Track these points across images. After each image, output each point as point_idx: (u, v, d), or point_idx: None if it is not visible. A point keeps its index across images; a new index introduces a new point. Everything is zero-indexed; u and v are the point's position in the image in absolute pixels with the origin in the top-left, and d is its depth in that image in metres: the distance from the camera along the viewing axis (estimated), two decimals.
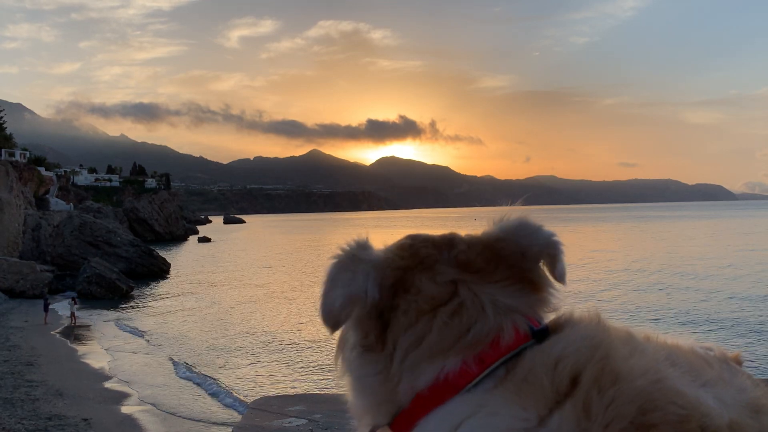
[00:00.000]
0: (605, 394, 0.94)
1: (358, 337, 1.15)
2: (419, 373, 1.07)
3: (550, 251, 1.18)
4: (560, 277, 1.17)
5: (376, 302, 1.14)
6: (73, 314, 27.71)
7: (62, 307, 30.67)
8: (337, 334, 1.19)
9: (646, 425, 0.91)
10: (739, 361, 1.23)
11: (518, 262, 1.16)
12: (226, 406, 15.89)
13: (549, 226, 1.19)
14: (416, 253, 1.18)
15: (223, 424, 14.42)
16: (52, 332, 25.23)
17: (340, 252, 1.20)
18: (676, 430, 0.91)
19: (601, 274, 40.96)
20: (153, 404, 15.85)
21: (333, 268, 1.18)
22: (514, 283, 1.16)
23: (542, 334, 1.08)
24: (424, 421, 1.05)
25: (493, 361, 1.04)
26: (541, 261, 1.18)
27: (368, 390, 1.14)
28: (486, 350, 1.05)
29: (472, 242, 1.20)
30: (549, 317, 1.14)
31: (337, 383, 1.22)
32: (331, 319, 1.15)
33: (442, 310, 1.09)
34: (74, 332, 25.79)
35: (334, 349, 1.22)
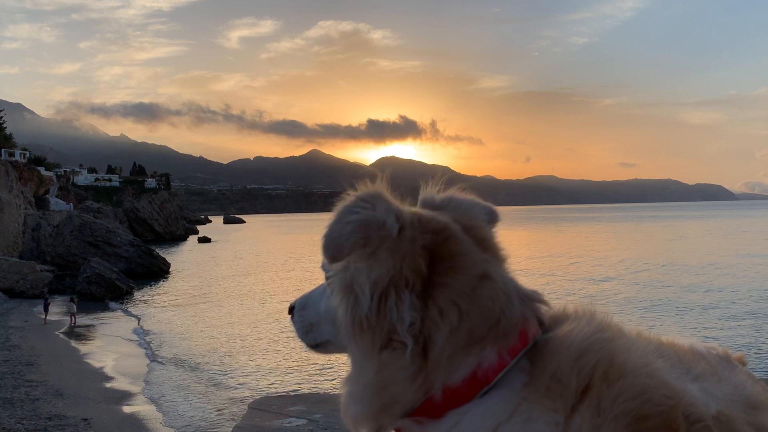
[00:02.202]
0: (612, 389, 0.97)
1: (397, 327, 1.03)
2: (455, 367, 1.02)
3: (493, 220, 1.24)
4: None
5: (396, 239, 1.03)
6: (73, 314, 27.68)
7: (62, 307, 30.62)
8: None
9: (642, 417, 0.94)
10: (743, 362, 1.24)
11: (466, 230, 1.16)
12: (226, 405, 15.88)
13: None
14: (437, 218, 1.12)
15: (223, 424, 14.41)
16: (52, 332, 25.21)
17: (356, 192, 1.12)
18: (664, 419, 0.94)
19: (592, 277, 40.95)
20: (153, 404, 15.84)
21: (347, 201, 1.10)
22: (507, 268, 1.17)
23: (552, 323, 1.10)
24: (454, 416, 1.02)
25: (518, 351, 1.04)
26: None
27: (385, 392, 1.04)
28: (516, 343, 1.04)
29: (432, 207, 1.18)
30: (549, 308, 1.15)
31: (338, 383, 1.17)
32: (336, 247, 1.03)
33: (480, 294, 1.04)
34: (74, 332, 25.77)
35: (356, 343, 1.07)
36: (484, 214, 1.22)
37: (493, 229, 1.22)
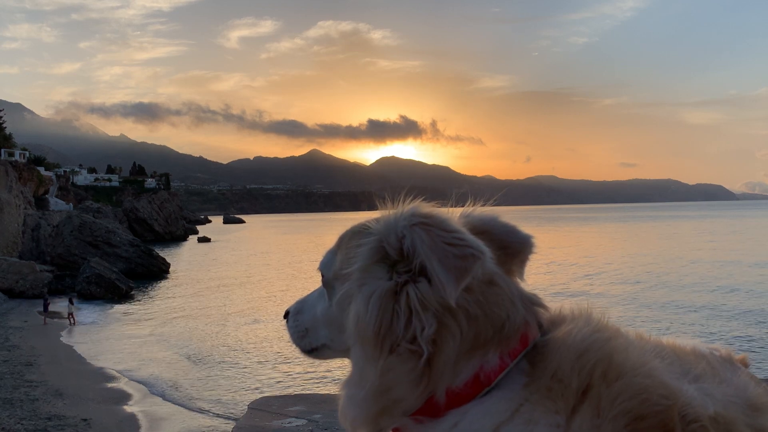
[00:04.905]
0: (612, 389, 0.98)
1: (417, 334, 1.02)
2: (459, 370, 1.03)
3: (528, 250, 1.22)
4: (523, 275, 1.21)
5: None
6: (71, 314, 27.67)
7: (61, 308, 30.61)
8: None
9: (640, 416, 0.95)
10: (745, 363, 1.24)
11: (502, 255, 1.16)
12: (226, 406, 15.88)
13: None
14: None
15: (223, 423, 14.41)
16: (51, 332, 25.20)
17: (428, 212, 1.09)
18: (660, 419, 0.95)
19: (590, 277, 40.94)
20: (152, 404, 15.83)
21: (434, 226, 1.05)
22: (512, 274, 1.18)
23: (549, 325, 1.11)
24: (455, 416, 1.03)
25: (518, 354, 1.05)
26: (518, 257, 1.21)
27: (387, 395, 1.05)
28: (517, 345, 1.05)
29: (472, 228, 1.17)
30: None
31: (337, 384, 1.16)
32: (464, 281, 0.99)
33: (487, 300, 1.06)
34: (74, 332, 25.77)
35: (369, 349, 1.05)
36: (516, 239, 1.22)
37: (527, 258, 1.22)
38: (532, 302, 1.12)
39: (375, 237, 1.10)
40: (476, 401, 1.02)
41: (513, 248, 1.20)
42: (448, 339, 1.02)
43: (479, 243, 1.04)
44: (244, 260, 61.00)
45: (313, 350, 1.34)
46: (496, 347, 1.03)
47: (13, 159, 79.76)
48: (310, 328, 1.33)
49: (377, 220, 1.15)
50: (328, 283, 1.26)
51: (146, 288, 40.14)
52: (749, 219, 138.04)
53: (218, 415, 15.16)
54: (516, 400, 1.00)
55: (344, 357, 1.24)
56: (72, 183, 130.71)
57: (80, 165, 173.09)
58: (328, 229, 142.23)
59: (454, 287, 0.99)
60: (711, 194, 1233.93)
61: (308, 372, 18.55)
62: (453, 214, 1.22)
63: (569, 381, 0.99)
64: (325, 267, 1.27)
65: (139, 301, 35.28)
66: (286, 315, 1.41)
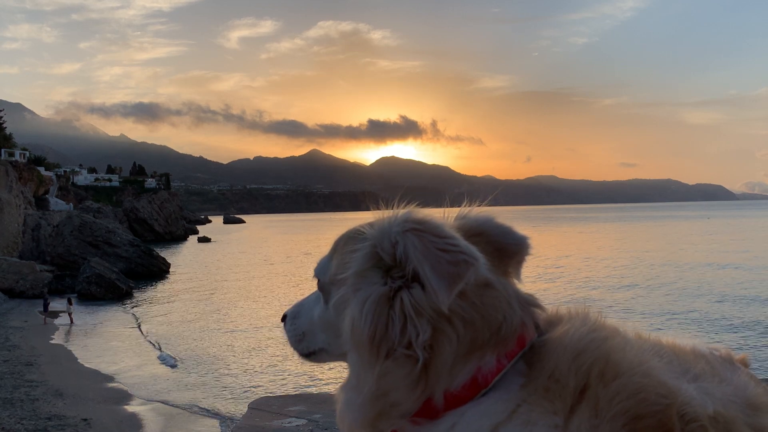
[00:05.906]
0: (609, 389, 0.97)
1: (412, 339, 1.01)
2: (457, 373, 1.02)
3: (524, 251, 1.22)
4: (519, 276, 1.21)
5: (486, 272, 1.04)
6: (70, 314, 27.67)
7: (61, 308, 30.63)
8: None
9: (638, 416, 0.95)
10: (745, 363, 1.23)
11: (498, 256, 1.17)
12: (226, 406, 15.88)
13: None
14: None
15: (223, 423, 14.41)
16: (51, 332, 25.21)
17: (420, 218, 1.07)
18: (659, 419, 0.94)
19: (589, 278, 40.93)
20: (153, 404, 15.84)
21: (429, 230, 1.04)
22: (508, 275, 1.18)
23: (546, 326, 1.11)
24: (452, 417, 1.02)
25: (515, 355, 1.05)
26: (514, 258, 1.21)
27: (384, 399, 1.05)
28: (514, 347, 1.05)
29: (467, 231, 1.17)
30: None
31: (338, 383, 1.14)
32: (456, 287, 0.99)
33: (484, 302, 1.05)
34: (74, 332, 25.77)
35: (364, 353, 1.05)
36: (512, 240, 1.22)
37: (523, 260, 1.22)
38: (528, 303, 1.12)
39: (369, 242, 1.09)
40: (473, 403, 1.02)
41: (509, 249, 1.19)
42: (445, 343, 1.01)
43: (472, 249, 1.03)
44: (244, 260, 60.98)
45: (310, 354, 1.34)
46: (493, 349, 1.03)
47: (13, 159, 79.60)
48: (307, 332, 1.33)
49: (371, 224, 1.14)
50: (324, 288, 1.26)
51: (146, 288, 40.14)
52: (748, 219, 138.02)
53: (218, 415, 15.16)
54: (513, 401, 1.00)
55: (342, 361, 1.24)
56: (72, 183, 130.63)
57: (80, 165, 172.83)
58: (328, 229, 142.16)
59: (447, 294, 0.98)
60: (711, 194, 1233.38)
61: (308, 372, 18.55)
62: (448, 215, 1.23)
63: (566, 381, 0.98)
64: (321, 272, 1.27)
65: (140, 301, 35.27)
66: (284, 318, 1.41)
